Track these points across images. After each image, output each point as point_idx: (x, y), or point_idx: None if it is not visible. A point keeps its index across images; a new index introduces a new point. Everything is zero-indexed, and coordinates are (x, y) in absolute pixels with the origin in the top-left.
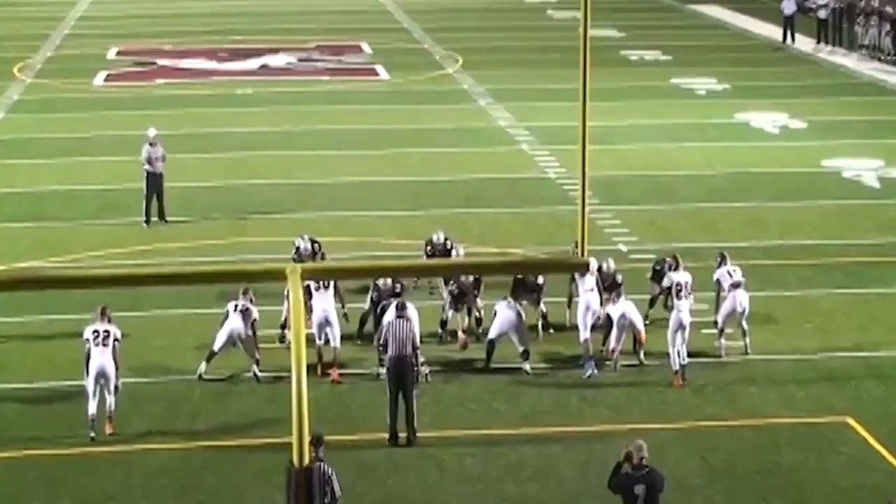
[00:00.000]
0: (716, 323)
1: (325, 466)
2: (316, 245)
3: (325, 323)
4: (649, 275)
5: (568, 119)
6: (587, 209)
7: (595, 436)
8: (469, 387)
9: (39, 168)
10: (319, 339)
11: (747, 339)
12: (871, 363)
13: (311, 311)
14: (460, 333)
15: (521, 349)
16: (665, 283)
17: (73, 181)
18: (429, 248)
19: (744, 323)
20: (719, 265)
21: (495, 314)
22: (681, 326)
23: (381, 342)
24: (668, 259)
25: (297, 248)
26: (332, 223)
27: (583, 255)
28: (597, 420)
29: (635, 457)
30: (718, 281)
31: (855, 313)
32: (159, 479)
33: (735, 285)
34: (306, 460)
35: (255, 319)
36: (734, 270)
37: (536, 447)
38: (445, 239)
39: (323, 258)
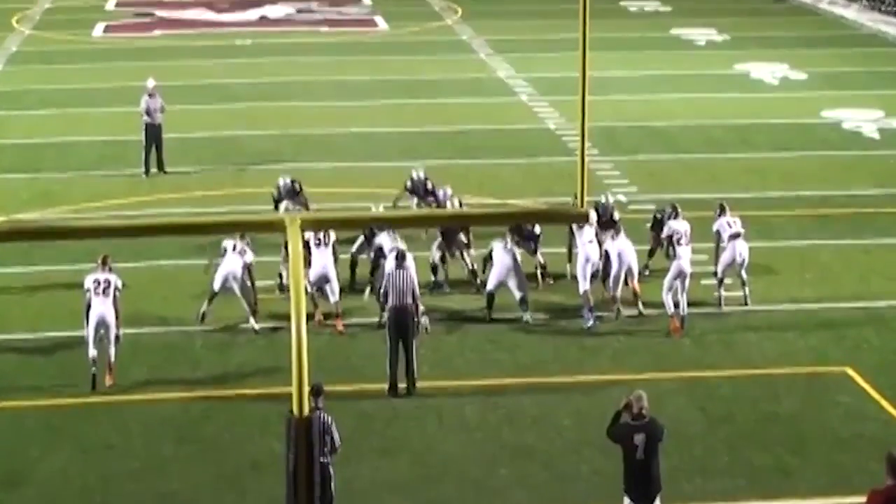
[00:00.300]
0: (715, 273)
1: (325, 416)
2: (296, 184)
3: (325, 280)
4: (649, 224)
5: (567, 70)
6: (586, 160)
7: (594, 385)
8: (469, 337)
9: (38, 119)
10: (316, 292)
11: (746, 290)
12: (871, 313)
13: (310, 266)
14: None
15: (518, 295)
16: (665, 231)
17: (72, 133)
18: (409, 183)
19: (743, 273)
20: (719, 216)
21: (491, 259)
22: (681, 274)
23: (381, 293)
24: (667, 208)
25: (278, 186)
26: (330, 174)
27: (582, 205)
28: (596, 370)
29: (635, 406)
30: (718, 231)
31: (854, 264)
32: (159, 428)
33: (734, 236)
34: (306, 410)
35: (250, 263)
36: (734, 221)
37: (535, 397)
38: (426, 178)
39: (305, 199)
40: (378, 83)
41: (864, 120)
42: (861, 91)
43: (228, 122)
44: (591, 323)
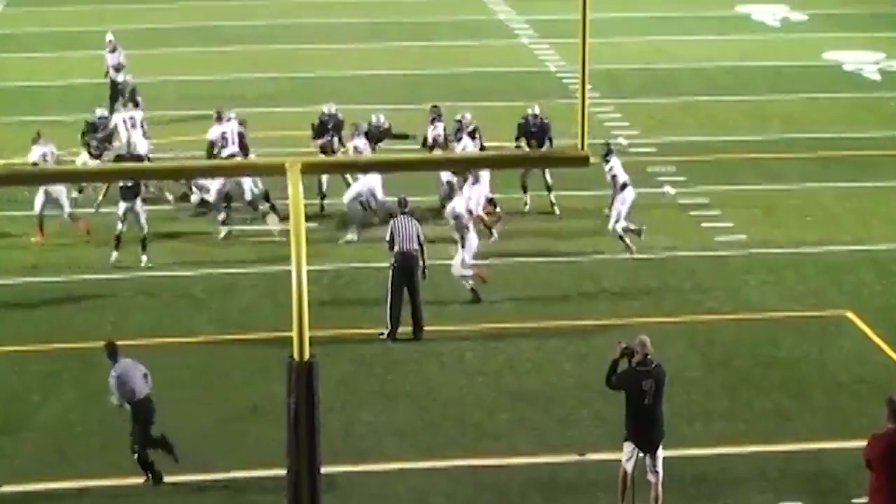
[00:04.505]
0: (616, 223)
1: None
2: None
3: None
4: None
5: (568, 12)
6: (587, 102)
7: (594, 329)
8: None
9: (38, 62)
10: None
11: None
12: (872, 257)
13: None
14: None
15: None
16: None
17: (72, 75)
18: (365, 125)
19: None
20: (608, 157)
21: None
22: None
23: (387, 239)
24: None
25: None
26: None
27: (583, 148)
28: (595, 314)
29: (640, 352)
30: (615, 176)
31: (855, 207)
32: (159, 373)
33: (624, 185)
34: (307, 355)
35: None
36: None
37: (535, 341)
38: (385, 121)
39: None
40: (377, 25)
41: (865, 62)
42: (862, 33)
43: (228, 64)
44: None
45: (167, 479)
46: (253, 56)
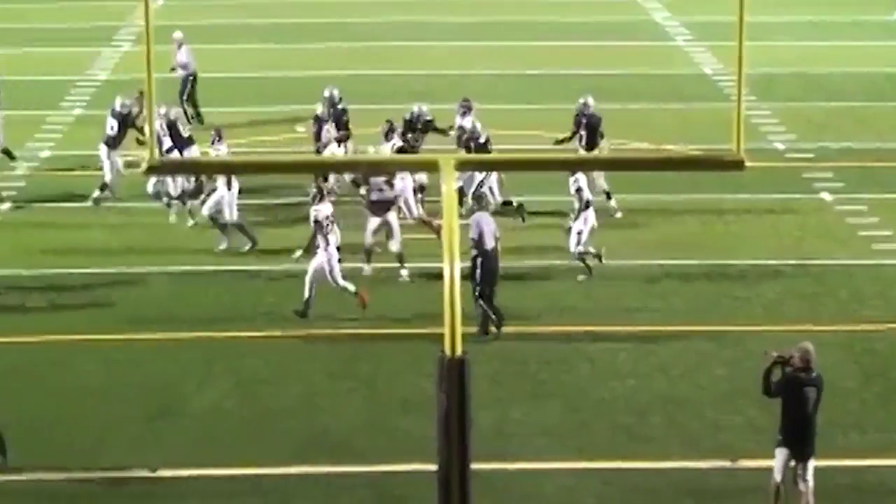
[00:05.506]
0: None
1: None
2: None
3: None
4: None
5: (724, 14)
6: (743, 106)
7: (748, 335)
8: (624, 284)
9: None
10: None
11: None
12: None
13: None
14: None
15: None
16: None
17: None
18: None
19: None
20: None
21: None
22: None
23: (475, 237)
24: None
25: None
26: (483, 116)
27: (738, 151)
28: (750, 320)
29: (800, 359)
30: (580, 190)
31: None
32: (312, 364)
33: (588, 204)
34: (458, 351)
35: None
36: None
37: (688, 345)
38: (428, 112)
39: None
40: (530, 24)
41: None
42: None
43: (355, 61)
44: None
45: (331, 469)
46: (378, 52)
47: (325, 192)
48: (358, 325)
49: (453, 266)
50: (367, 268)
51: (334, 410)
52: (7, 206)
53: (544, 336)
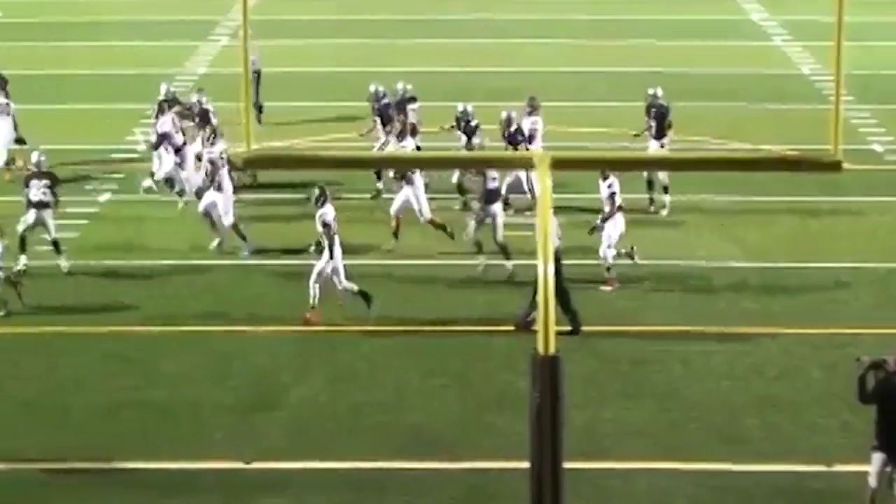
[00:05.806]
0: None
1: None
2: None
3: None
4: None
5: (822, 13)
6: (841, 106)
7: (846, 338)
8: (717, 286)
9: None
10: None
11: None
12: None
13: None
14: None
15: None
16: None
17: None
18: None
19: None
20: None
21: None
22: None
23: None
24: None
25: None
26: (577, 112)
27: (836, 153)
28: (847, 323)
29: (895, 364)
30: (614, 194)
31: None
32: (405, 360)
33: (620, 208)
34: (551, 349)
35: None
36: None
37: (784, 347)
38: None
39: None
40: (630, 22)
41: None
42: None
43: (449, 57)
44: None
45: (424, 465)
46: (474, 49)
47: (328, 194)
48: (449, 321)
49: (547, 265)
50: (482, 259)
51: (427, 406)
52: (106, 196)
53: (637, 335)
